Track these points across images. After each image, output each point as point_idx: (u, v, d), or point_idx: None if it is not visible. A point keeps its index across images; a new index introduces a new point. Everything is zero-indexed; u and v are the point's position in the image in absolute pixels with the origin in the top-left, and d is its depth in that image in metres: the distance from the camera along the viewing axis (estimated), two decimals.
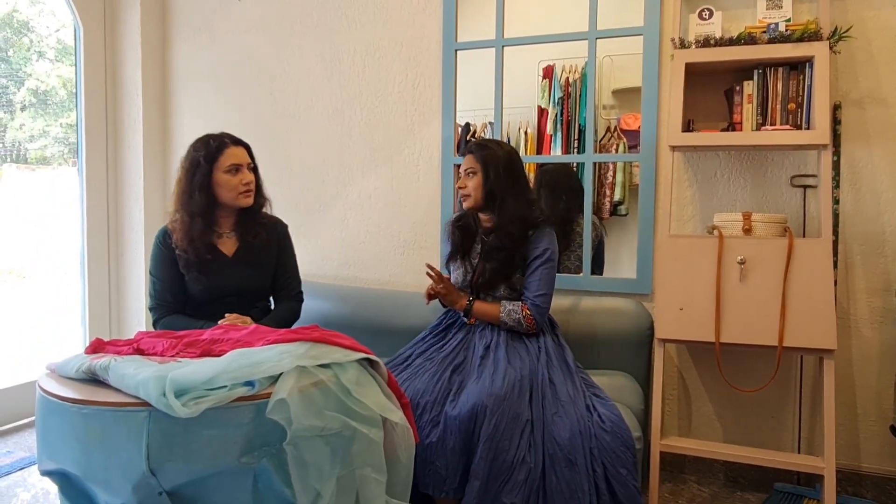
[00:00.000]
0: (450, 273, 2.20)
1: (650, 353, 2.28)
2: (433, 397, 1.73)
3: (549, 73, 3.19)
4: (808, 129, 2.12)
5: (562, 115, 3.18)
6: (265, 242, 2.12)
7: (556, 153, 3.19)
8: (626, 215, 3.10)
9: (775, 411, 2.35)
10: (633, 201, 2.87)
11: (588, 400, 1.82)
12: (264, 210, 2.17)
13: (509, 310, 1.97)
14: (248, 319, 1.90)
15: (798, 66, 2.15)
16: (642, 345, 2.27)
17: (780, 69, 2.17)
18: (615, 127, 3.15)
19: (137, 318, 3.25)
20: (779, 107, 2.18)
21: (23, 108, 3.13)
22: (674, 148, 2.21)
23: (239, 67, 3.12)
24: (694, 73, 2.24)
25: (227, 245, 2.10)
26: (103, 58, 3.20)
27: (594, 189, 2.64)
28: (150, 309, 2.05)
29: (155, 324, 2.04)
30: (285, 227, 2.24)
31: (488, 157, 2.03)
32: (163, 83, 3.28)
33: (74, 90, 3.16)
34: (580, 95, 3.10)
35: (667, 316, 2.05)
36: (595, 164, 2.68)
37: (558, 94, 3.22)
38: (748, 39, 2.16)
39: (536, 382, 1.77)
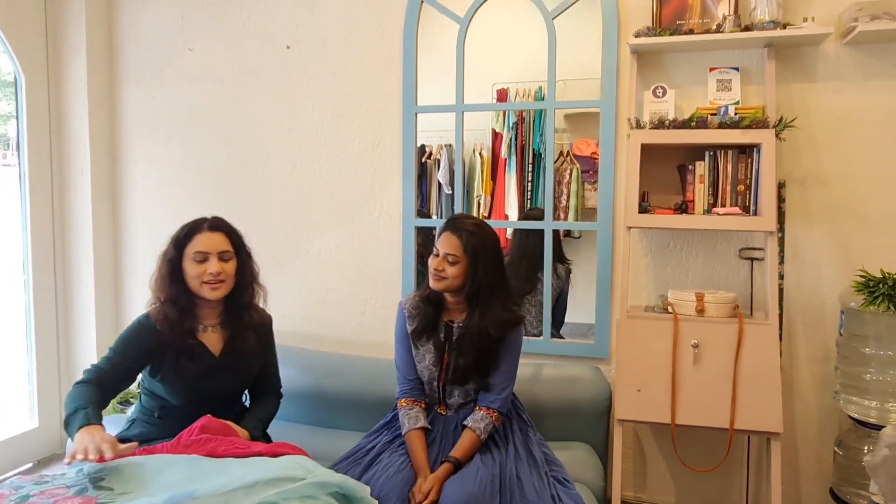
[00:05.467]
0: (409, 349, 2.06)
1: (609, 422, 2.36)
2: (405, 502, 1.75)
3: (503, 96, 3.23)
4: (755, 209, 2.23)
5: (516, 140, 3.24)
6: (252, 349, 1.99)
7: (510, 177, 3.25)
8: (579, 238, 3.19)
9: (726, 473, 2.48)
10: (586, 221, 2.92)
11: (553, 489, 1.88)
12: (256, 302, 2.02)
13: (482, 428, 1.92)
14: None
15: (746, 150, 2.25)
16: (601, 415, 2.35)
17: (730, 152, 2.27)
18: (568, 152, 3.23)
19: None
20: (729, 188, 2.28)
21: None
22: (630, 227, 2.29)
23: (193, 118, 3.05)
24: (649, 149, 2.32)
25: (213, 341, 1.94)
26: (47, 107, 3.07)
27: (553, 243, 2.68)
28: (85, 371, 1.81)
29: (74, 385, 1.77)
30: (271, 320, 2.12)
31: (478, 247, 1.91)
32: (111, 131, 3.17)
33: (16, 133, 3.02)
34: (534, 121, 3.16)
35: (625, 397, 2.13)
36: (553, 192, 2.70)
37: (513, 118, 3.28)
38: (699, 122, 2.25)
39: (505, 482, 1.82)
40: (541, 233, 2.64)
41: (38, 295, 3.07)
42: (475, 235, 1.93)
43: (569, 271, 2.91)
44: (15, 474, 2.95)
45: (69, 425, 1.63)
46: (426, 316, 2.04)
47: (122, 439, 1.93)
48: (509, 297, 1.98)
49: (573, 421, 2.35)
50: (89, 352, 3.14)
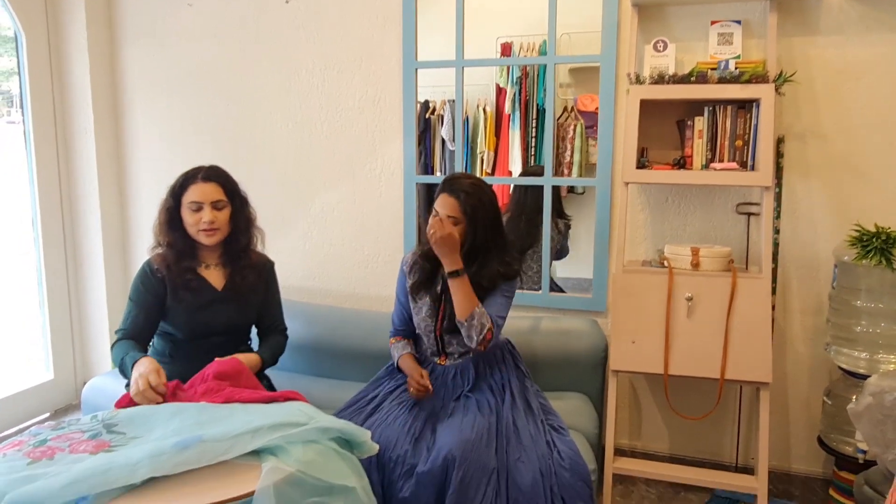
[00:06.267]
0: (407, 304, 2.15)
1: (604, 373, 2.43)
2: (404, 450, 1.83)
3: (507, 50, 3.20)
4: (752, 164, 2.24)
5: (520, 95, 3.24)
6: (252, 285, 2.12)
7: (514, 133, 3.25)
8: (582, 193, 3.22)
9: (718, 422, 2.56)
10: (590, 176, 2.93)
11: (548, 436, 1.95)
12: (253, 246, 2.15)
13: (481, 313, 1.92)
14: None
15: (745, 105, 2.25)
16: (597, 366, 2.42)
17: (729, 107, 2.27)
18: (572, 107, 3.23)
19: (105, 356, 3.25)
20: (727, 143, 2.28)
21: None
22: (628, 183, 2.31)
23: (193, 74, 3.05)
24: (649, 104, 2.32)
25: (215, 277, 2.09)
26: (48, 64, 3.07)
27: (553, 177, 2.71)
28: (117, 332, 2.02)
29: (112, 347, 1.99)
30: (272, 264, 2.24)
31: (476, 207, 1.94)
32: (113, 89, 3.18)
33: (20, 92, 3.04)
34: (538, 76, 3.15)
35: (620, 348, 2.19)
36: (553, 146, 2.69)
37: (516, 73, 3.26)
38: (700, 77, 2.24)
39: (501, 429, 1.89)
40: (540, 189, 2.66)
41: (48, 251, 3.13)
42: (473, 196, 1.95)
43: (568, 226, 2.94)
44: (33, 424, 3.07)
45: (124, 373, 1.87)
46: (424, 271, 2.11)
47: None
48: (507, 252, 2.03)
49: (570, 372, 2.42)
50: (100, 304, 3.23)
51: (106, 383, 2.51)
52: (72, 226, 3.22)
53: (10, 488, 1.20)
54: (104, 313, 3.21)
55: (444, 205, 1.97)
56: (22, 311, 3.18)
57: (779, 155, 2.34)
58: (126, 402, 1.71)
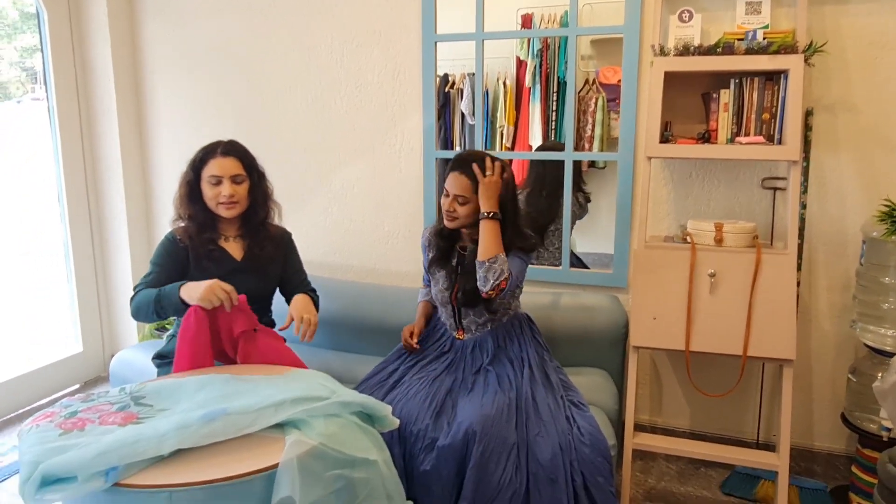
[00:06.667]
0: (428, 278, 2.23)
1: (625, 349, 2.43)
2: (425, 424, 1.85)
3: (527, 22, 3.15)
4: (780, 138, 2.19)
5: (541, 68, 3.19)
6: (271, 255, 2.16)
7: (534, 106, 3.20)
8: (604, 168, 3.18)
9: (739, 398, 2.54)
10: (612, 150, 2.92)
11: (567, 411, 1.96)
12: (271, 220, 2.18)
13: (503, 260, 1.93)
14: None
15: (773, 77, 2.19)
16: (617, 342, 2.41)
17: (756, 79, 2.21)
18: (594, 80, 3.18)
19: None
20: (753, 116, 2.23)
21: None
22: (651, 158, 2.27)
23: (212, 51, 3.05)
24: (673, 77, 2.27)
25: (234, 249, 2.12)
26: (70, 42, 3.09)
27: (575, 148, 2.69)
28: (135, 287, 1.99)
29: (132, 299, 1.99)
30: (290, 234, 2.27)
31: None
32: (134, 66, 3.20)
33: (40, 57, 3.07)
34: (559, 48, 3.10)
35: (641, 324, 2.17)
36: (575, 119, 2.65)
37: (537, 45, 3.21)
38: (726, 48, 2.19)
39: (521, 404, 1.90)
40: (560, 163, 2.63)
41: (74, 225, 3.18)
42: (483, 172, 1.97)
43: (588, 200, 2.92)
44: (64, 395, 3.15)
45: (164, 301, 1.86)
46: (438, 248, 2.16)
47: (163, 354, 2.11)
48: (520, 229, 2.04)
49: (590, 348, 2.42)
50: (125, 278, 3.28)
51: (133, 356, 2.57)
52: (96, 200, 3.27)
53: (43, 458, 1.24)
54: (129, 287, 3.27)
55: (453, 184, 1.99)
56: (51, 286, 3.24)
57: (807, 128, 2.28)
58: (194, 313, 1.78)
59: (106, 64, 3.10)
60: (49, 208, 3.16)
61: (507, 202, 2.00)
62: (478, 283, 1.96)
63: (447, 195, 2.02)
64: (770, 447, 2.42)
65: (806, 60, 2.12)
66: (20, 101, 3.15)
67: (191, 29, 3.06)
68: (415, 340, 2.16)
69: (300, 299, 2.03)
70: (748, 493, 2.31)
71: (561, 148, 2.66)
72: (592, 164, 3.17)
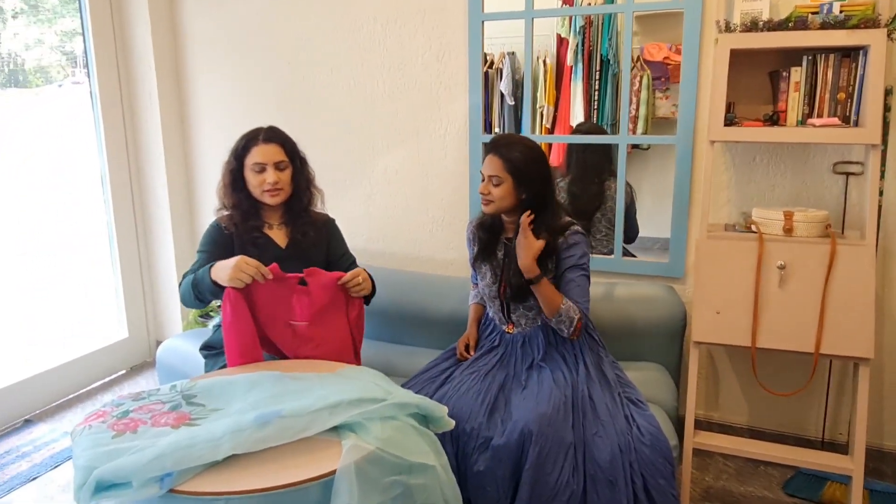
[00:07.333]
0: (475, 275, 2.17)
1: (682, 343, 2.32)
2: (478, 422, 1.78)
3: None
4: (856, 120, 2.04)
5: (583, 46, 3.05)
6: (314, 241, 2.12)
7: (576, 86, 3.06)
8: (647, 149, 3.04)
9: (803, 395, 2.42)
10: (655, 131, 2.81)
11: (626, 409, 1.87)
12: (313, 206, 2.15)
13: (569, 307, 1.90)
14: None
15: (851, 53, 2.04)
16: (675, 335, 2.30)
17: (832, 56, 2.05)
18: (638, 56, 3.03)
19: (175, 312, 3.32)
20: (827, 96, 2.08)
21: (14, 16, 2.95)
22: (714, 142, 2.14)
23: (252, 34, 2.99)
24: (738, 55, 2.13)
25: (279, 236, 2.10)
26: (111, 27, 3.06)
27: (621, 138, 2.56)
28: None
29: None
30: (332, 220, 2.24)
31: (519, 164, 1.91)
32: (174, 50, 3.16)
33: (85, 59, 3.05)
34: (603, 24, 2.96)
35: (703, 318, 2.06)
36: (627, 100, 2.52)
37: (579, 22, 3.07)
38: (798, 23, 2.03)
39: (577, 402, 1.82)
40: (601, 147, 2.52)
41: (118, 213, 3.18)
42: (515, 151, 1.92)
43: (630, 186, 2.78)
44: (110, 380, 3.18)
45: (200, 286, 1.84)
46: (481, 241, 2.10)
47: (210, 345, 2.09)
48: (556, 207, 1.97)
49: (645, 342, 2.32)
50: (169, 265, 3.28)
51: (179, 345, 2.56)
52: (139, 187, 3.26)
53: (96, 462, 1.21)
54: (173, 273, 3.27)
55: (487, 166, 1.97)
56: (96, 272, 3.26)
57: (886, 108, 2.12)
58: (229, 300, 1.75)
59: (147, 49, 3.07)
60: (93, 194, 3.16)
61: (535, 182, 1.93)
62: (558, 332, 1.96)
63: (483, 179, 1.98)
64: (836, 446, 2.30)
65: (889, 35, 1.96)
66: (61, 84, 3.14)
67: (230, 12, 3.00)
68: (472, 354, 2.11)
69: (358, 270, 1.97)
70: (814, 494, 2.20)
71: (599, 131, 2.55)
72: (636, 146, 3.02)
